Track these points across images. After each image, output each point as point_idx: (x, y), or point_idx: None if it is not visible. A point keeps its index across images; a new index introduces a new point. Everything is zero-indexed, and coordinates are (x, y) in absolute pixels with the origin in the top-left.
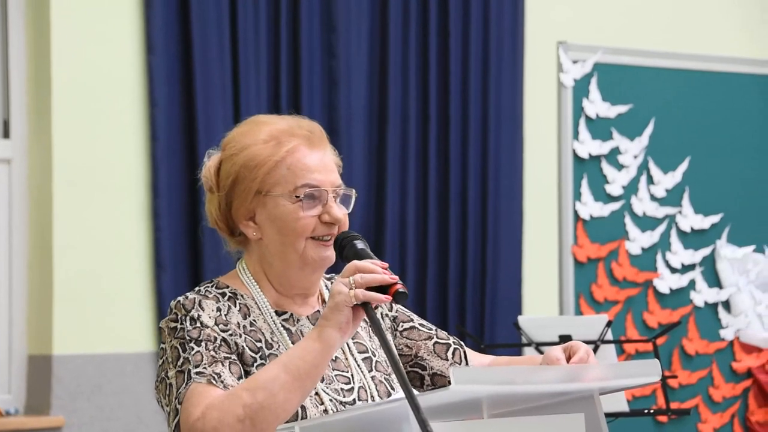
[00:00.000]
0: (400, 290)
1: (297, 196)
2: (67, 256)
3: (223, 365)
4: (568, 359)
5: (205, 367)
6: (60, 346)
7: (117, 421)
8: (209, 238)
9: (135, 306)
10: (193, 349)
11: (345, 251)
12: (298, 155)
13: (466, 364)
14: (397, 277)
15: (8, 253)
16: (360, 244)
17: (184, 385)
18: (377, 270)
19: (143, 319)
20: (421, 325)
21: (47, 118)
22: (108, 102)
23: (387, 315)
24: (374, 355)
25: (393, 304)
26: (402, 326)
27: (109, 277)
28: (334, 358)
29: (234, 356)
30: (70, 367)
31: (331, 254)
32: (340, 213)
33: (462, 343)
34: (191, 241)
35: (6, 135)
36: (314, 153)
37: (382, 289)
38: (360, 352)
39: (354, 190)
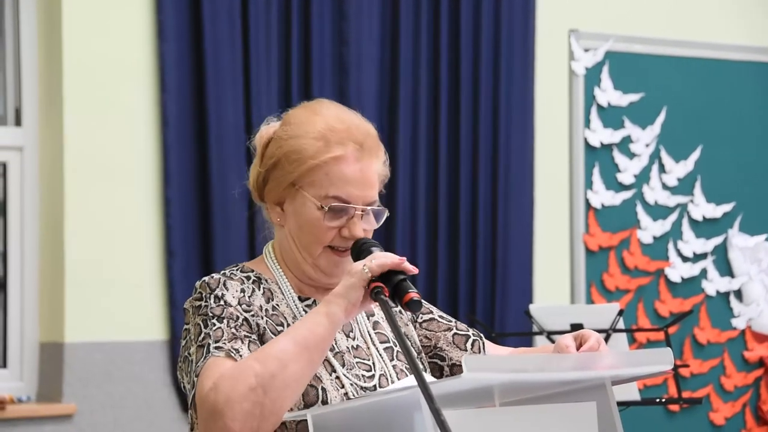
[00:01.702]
0: (415, 299)
1: (323, 206)
2: (79, 244)
3: (242, 342)
4: (579, 347)
5: (224, 342)
6: (71, 334)
7: (128, 409)
8: (220, 224)
9: (146, 293)
10: (214, 325)
11: (362, 257)
12: (341, 165)
13: (484, 353)
14: (416, 270)
15: (20, 240)
16: (377, 251)
17: (202, 359)
18: (395, 257)
19: (154, 306)
20: (440, 317)
21: (59, 105)
22: (119, 89)
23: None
24: (395, 345)
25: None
26: (421, 318)
27: (120, 264)
28: (355, 347)
29: (254, 336)
30: (81, 354)
31: (344, 262)
32: (361, 231)
33: (481, 335)
34: (202, 228)
35: (18, 123)
36: (359, 164)
37: (398, 292)
38: (381, 342)
39: (386, 210)
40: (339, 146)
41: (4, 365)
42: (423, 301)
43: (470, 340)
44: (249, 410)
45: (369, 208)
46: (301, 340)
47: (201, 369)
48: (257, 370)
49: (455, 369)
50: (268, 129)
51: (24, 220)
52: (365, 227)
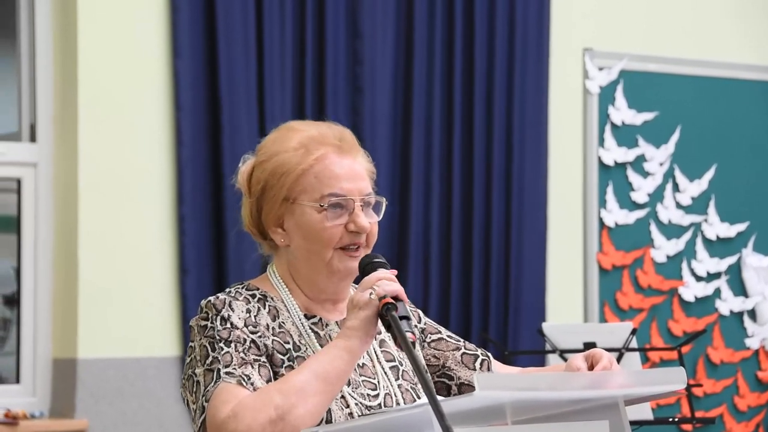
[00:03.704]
0: (410, 341)
1: (322, 205)
2: (92, 260)
3: (252, 367)
4: (591, 368)
5: (235, 368)
6: (84, 350)
7: (140, 425)
8: (233, 241)
9: (159, 310)
10: (222, 349)
11: (368, 273)
12: (326, 163)
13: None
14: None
15: (33, 256)
16: (383, 271)
17: (212, 384)
18: (396, 281)
19: (167, 323)
20: (449, 336)
21: (73, 122)
22: (134, 106)
23: (416, 326)
24: (401, 365)
25: (421, 317)
26: (430, 337)
27: (134, 280)
28: (361, 365)
29: (263, 358)
30: (94, 370)
31: (357, 265)
32: (366, 222)
33: (489, 354)
34: (215, 245)
35: (32, 139)
36: (344, 160)
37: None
38: (387, 361)
39: (384, 198)
40: (319, 148)
41: (17, 381)
42: (430, 321)
43: (479, 360)
44: None
45: (368, 198)
46: (322, 374)
47: (212, 394)
48: (278, 402)
49: (463, 388)
50: (247, 164)
51: (38, 236)
52: (369, 220)
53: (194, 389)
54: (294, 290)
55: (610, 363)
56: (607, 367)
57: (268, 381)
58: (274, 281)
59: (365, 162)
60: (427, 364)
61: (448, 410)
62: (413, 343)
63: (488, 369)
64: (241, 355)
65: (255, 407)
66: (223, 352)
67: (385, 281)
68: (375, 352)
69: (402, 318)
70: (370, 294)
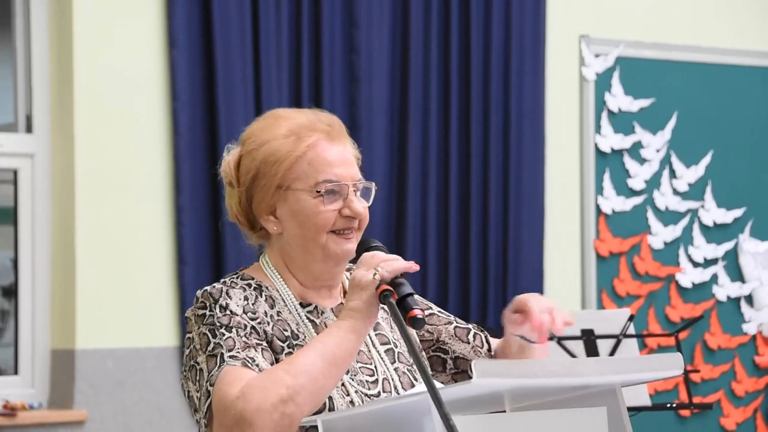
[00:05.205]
0: (419, 316)
1: (318, 191)
2: (90, 251)
3: (255, 350)
4: (522, 315)
5: (238, 351)
6: (83, 341)
7: (139, 416)
8: (230, 232)
9: (157, 300)
10: (224, 335)
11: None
12: (318, 150)
13: (488, 346)
14: (417, 265)
15: (31, 247)
16: (382, 255)
17: (216, 368)
18: (398, 258)
19: (166, 313)
20: (440, 311)
21: (70, 113)
22: (130, 97)
23: None
24: (396, 347)
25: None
26: None
27: (132, 271)
28: (358, 351)
29: (264, 343)
30: (92, 361)
31: (352, 247)
32: (361, 207)
33: (482, 327)
34: (213, 236)
35: (29, 130)
36: (334, 147)
37: (401, 307)
38: (382, 344)
39: (374, 183)
40: (310, 135)
41: (16, 372)
42: (421, 297)
43: (471, 333)
44: (278, 421)
45: (359, 183)
46: (329, 356)
47: (216, 378)
48: (288, 382)
49: (458, 362)
50: (232, 154)
51: (35, 227)
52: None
53: (197, 377)
54: (288, 279)
55: (537, 300)
56: (544, 305)
57: (272, 365)
58: (267, 271)
59: (352, 149)
60: (421, 340)
61: (446, 398)
62: (422, 320)
63: (482, 341)
64: (244, 339)
65: (264, 386)
66: (225, 338)
67: (389, 262)
68: (369, 336)
69: (408, 295)
70: (374, 275)
